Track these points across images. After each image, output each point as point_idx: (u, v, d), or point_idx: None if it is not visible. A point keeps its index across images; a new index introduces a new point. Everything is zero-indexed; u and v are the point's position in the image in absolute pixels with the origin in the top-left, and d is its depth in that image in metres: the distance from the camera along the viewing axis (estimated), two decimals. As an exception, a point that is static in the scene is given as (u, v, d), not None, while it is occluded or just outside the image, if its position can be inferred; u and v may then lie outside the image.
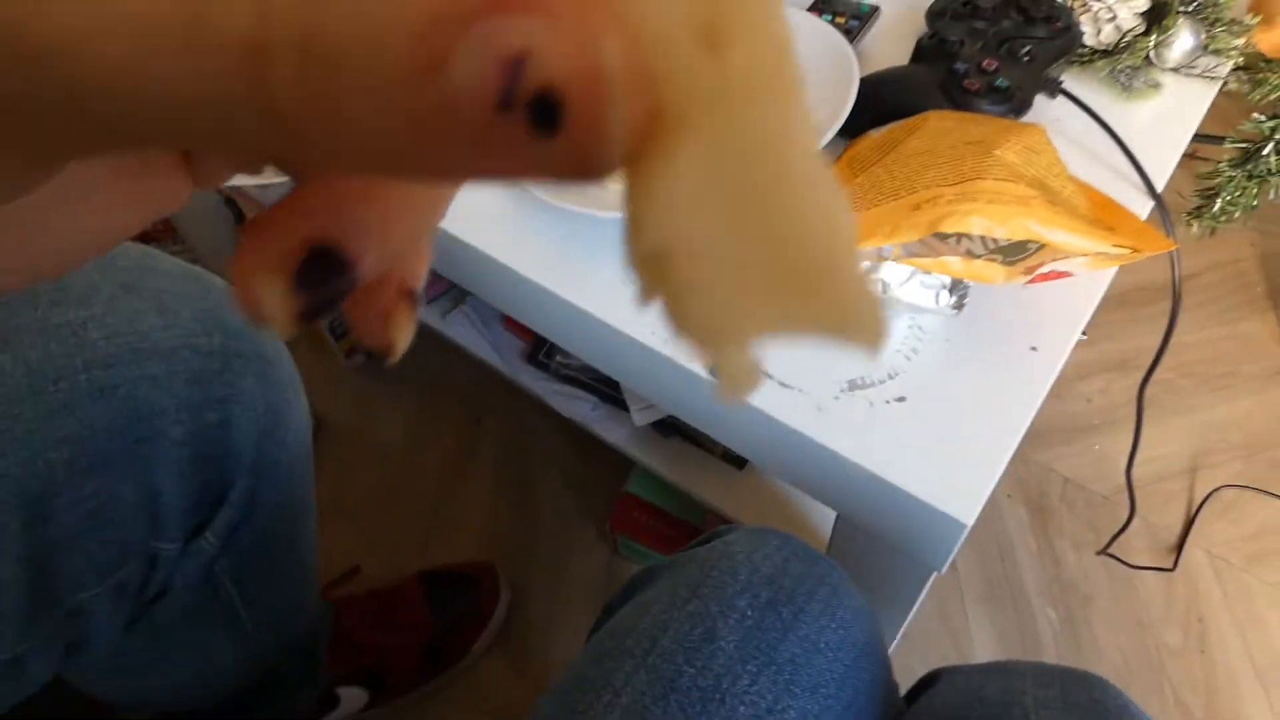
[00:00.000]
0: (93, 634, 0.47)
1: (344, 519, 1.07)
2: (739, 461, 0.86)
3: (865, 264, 0.08)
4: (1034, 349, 0.47)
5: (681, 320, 0.10)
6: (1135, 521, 1.06)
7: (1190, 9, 0.60)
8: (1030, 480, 1.10)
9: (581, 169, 0.09)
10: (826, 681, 0.35)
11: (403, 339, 0.15)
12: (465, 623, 0.94)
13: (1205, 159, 0.88)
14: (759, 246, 0.10)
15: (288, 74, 0.08)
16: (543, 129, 0.08)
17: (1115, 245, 0.39)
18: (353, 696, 0.87)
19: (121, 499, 0.44)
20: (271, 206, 0.13)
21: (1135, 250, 0.39)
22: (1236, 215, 0.85)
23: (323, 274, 0.12)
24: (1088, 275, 0.46)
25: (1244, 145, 0.79)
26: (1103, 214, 0.42)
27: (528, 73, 0.08)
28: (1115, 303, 1.27)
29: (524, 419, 1.16)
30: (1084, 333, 1.12)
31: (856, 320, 0.10)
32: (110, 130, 0.10)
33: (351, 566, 0.99)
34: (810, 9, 0.66)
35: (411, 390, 1.22)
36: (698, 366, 0.47)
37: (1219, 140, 0.82)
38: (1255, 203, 0.83)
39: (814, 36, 0.57)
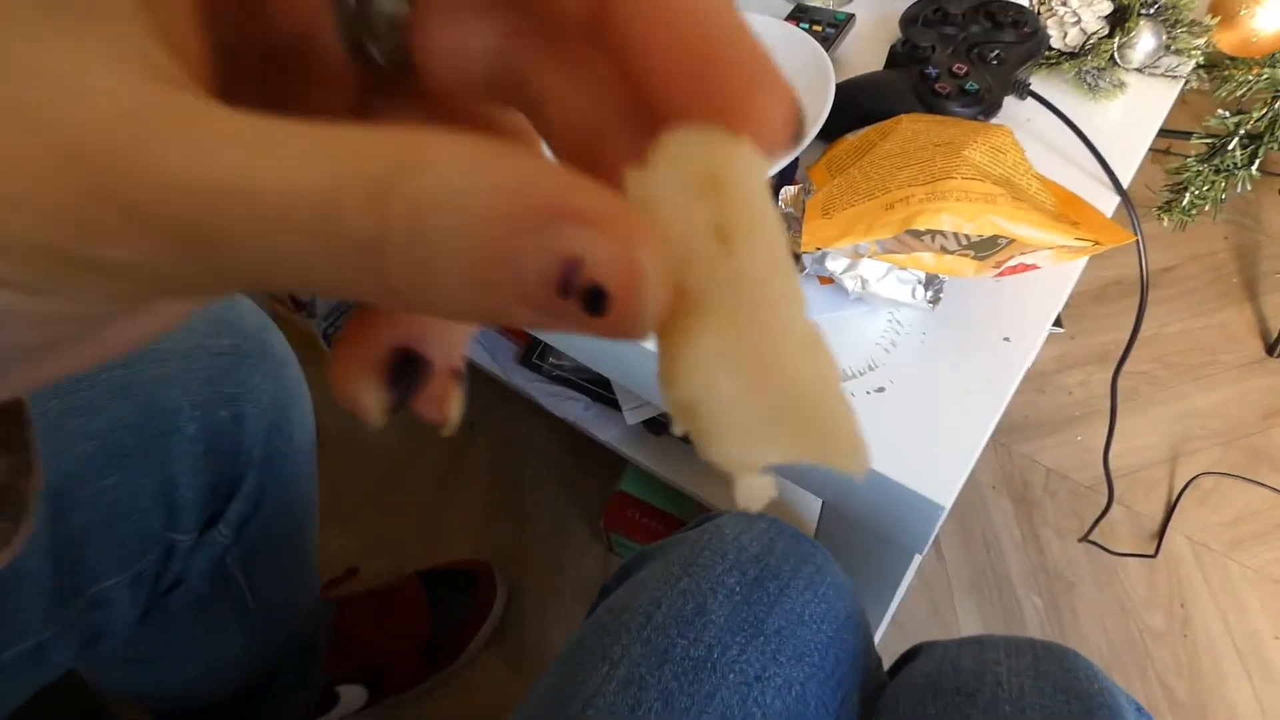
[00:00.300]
0: (112, 623, 0.49)
1: (341, 524, 1.08)
2: (729, 457, 0.88)
3: (852, 408, 0.11)
4: (1007, 339, 0.49)
5: (708, 453, 0.13)
6: (1118, 509, 1.08)
7: (1151, 11, 0.63)
8: (1014, 472, 1.13)
9: (620, 336, 0.11)
10: (811, 651, 0.37)
11: (456, 414, 0.17)
12: (462, 621, 0.96)
13: (1178, 154, 0.91)
14: (767, 401, 0.12)
15: (399, 259, 0.11)
16: (592, 311, 0.11)
17: (1078, 238, 0.41)
18: (352, 694, 0.89)
19: (140, 492, 0.46)
20: (356, 319, 0.16)
21: (1097, 243, 0.42)
22: (1206, 208, 0.88)
23: (407, 373, 0.15)
24: (1055, 268, 0.48)
25: (1210, 140, 0.82)
26: (1067, 209, 0.45)
27: (583, 271, 0.10)
28: (1093, 297, 1.30)
29: (517, 421, 1.18)
30: (1062, 327, 1.14)
31: (846, 455, 0.13)
32: (223, 288, 0.12)
33: (350, 567, 1.00)
34: (788, 18, 0.68)
35: (406, 395, 1.23)
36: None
37: (1190, 136, 0.85)
38: (1223, 196, 0.86)
39: (792, 45, 0.59)
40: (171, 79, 0.12)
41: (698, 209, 0.12)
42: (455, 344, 0.17)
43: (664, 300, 0.11)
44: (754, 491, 0.13)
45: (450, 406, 0.17)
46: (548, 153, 0.16)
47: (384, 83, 0.16)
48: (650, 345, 0.13)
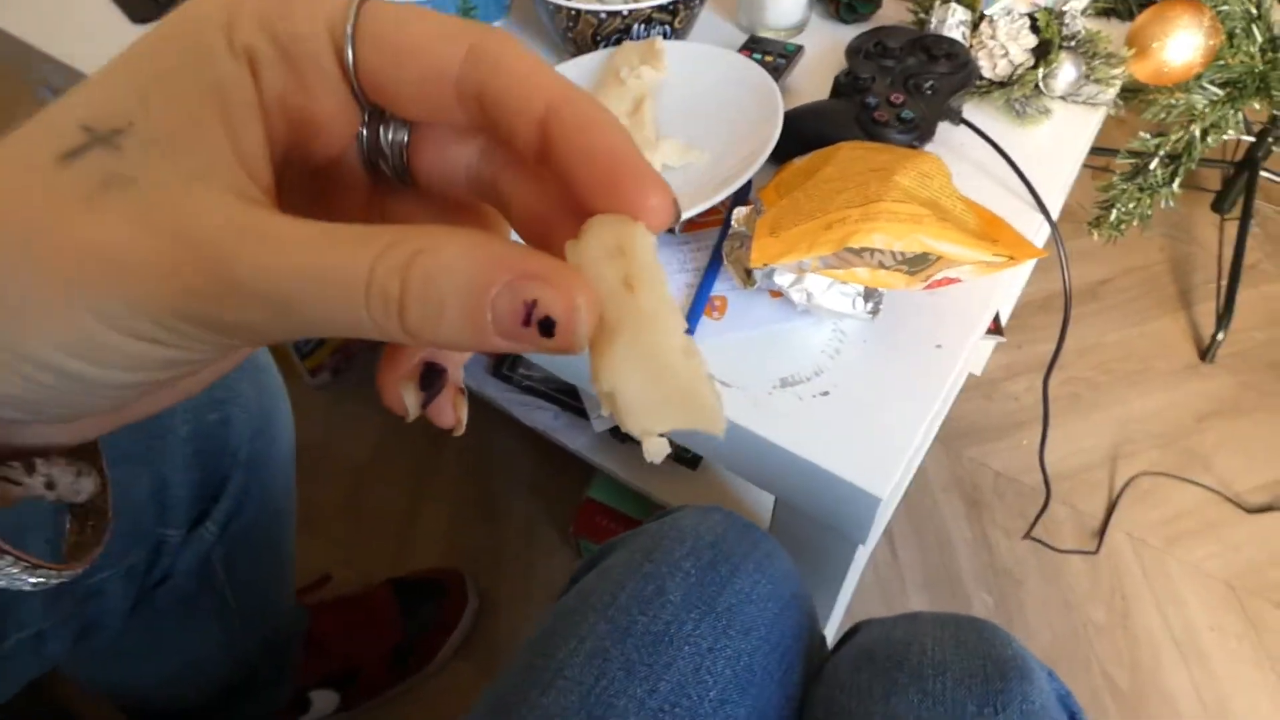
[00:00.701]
0: (105, 615, 0.52)
1: (312, 533, 1.09)
2: (691, 462, 0.91)
3: (717, 391, 0.19)
4: (939, 347, 0.53)
5: (624, 425, 0.18)
6: (1062, 508, 1.14)
7: (1072, 44, 0.68)
8: (964, 475, 1.18)
9: (564, 352, 0.17)
10: (758, 626, 0.41)
11: (464, 416, 0.24)
12: (433, 628, 0.98)
13: (1113, 172, 0.97)
14: (659, 389, 0.18)
15: (415, 309, 0.16)
16: (545, 335, 0.16)
17: (996, 254, 0.46)
18: (324, 699, 0.90)
19: (136, 488, 0.50)
20: (391, 348, 0.23)
21: (1013, 258, 0.46)
22: (1134, 224, 0.94)
23: (432, 378, 0.23)
24: (978, 282, 0.53)
25: (1134, 160, 0.88)
26: (988, 228, 0.49)
27: (538, 309, 0.16)
28: (1038, 308, 1.37)
29: (487, 431, 1.20)
30: (1004, 336, 1.20)
31: (711, 423, 0.18)
32: (295, 335, 0.18)
33: (322, 575, 1.02)
34: (741, 49, 0.73)
35: (375, 406, 1.26)
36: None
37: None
38: (1149, 212, 0.92)
39: (745, 74, 0.64)
40: (256, 200, 0.17)
41: (611, 267, 0.18)
42: (457, 367, 0.24)
43: (592, 325, 0.17)
44: (656, 449, 0.19)
45: (461, 411, 0.24)
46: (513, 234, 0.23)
47: (391, 187, 0.22)
48: (585, 357, 0.19)
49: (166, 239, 0.16)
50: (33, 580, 0.21)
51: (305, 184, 0.21)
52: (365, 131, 0.21)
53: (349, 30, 0.18)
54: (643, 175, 0.18)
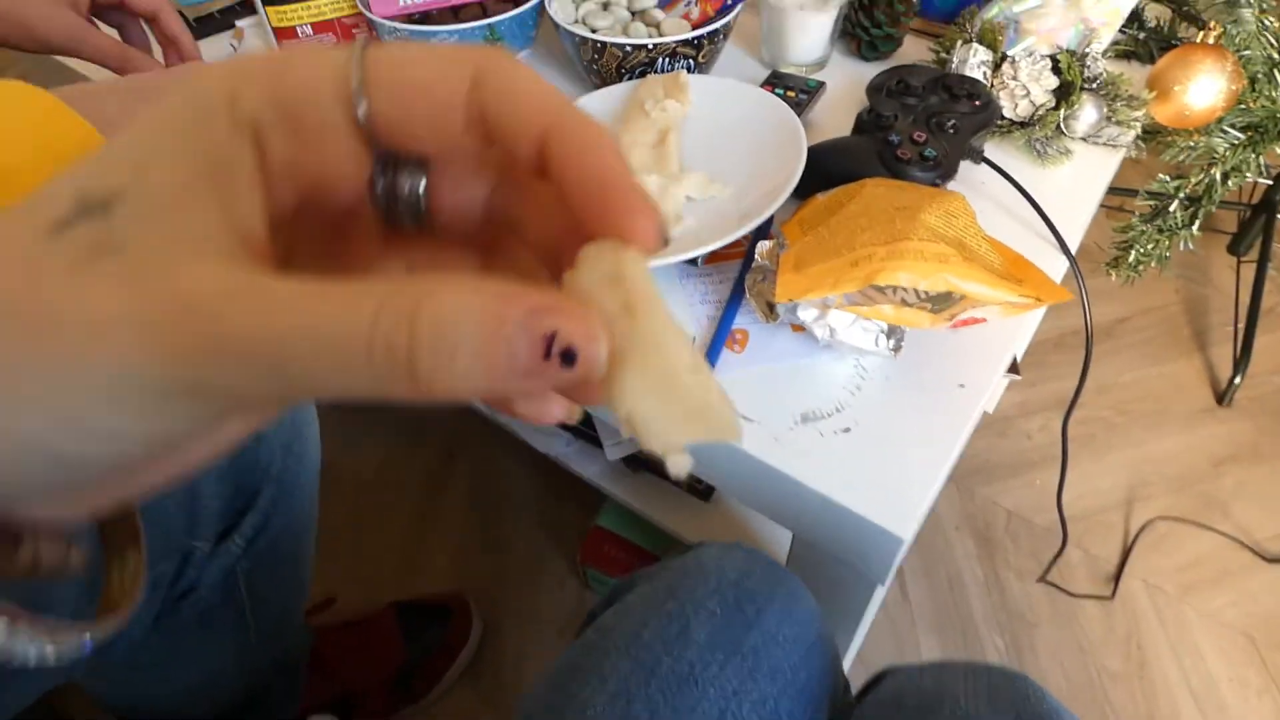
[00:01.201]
0: (129, 625, 0.51)
1: (319, 553, 1.09)
2: (704, 493, 0.91)
3: (730, 401, 0.19)
4: (962, 386, 0.53)
5: (646, 445, 0.18)
6: (1076, 552, 1.12)
7: (1093, 86, 0.69)
8: (977, 514, 1.17)
9: (584, 381, 0.17)
10: (784, 668, 0.40)
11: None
12: (437, 653, 0.97)
13: (1130, 212, 0.97)
14: (674, 407, 0.18)
15: (427, 358, 0.15)
16: (566, 366, 0.16)
17: (1022, 295, 0.46)
18: (324, 723, 0.89)
19: (168, 499, 0.50)
20: None
21: (1038, 300, 0.46)
22: (1152, 265, 0.93)
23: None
24: (1003, 321, 0.52)
25: (1153, 202, 0.88)
26: (1013, 269, 0.49)
27: (558, 341, 0.16)
28: (1053, 346, 1.36)
29: (496, 456, 1.20)
30: (1019, 374, 1.20)
31: (729, 433, 0.18)
32: (290, 400, 0.17)
33: (327, 596, 1.01)
34: (764, 84, 0.74)
35: (386, 428, 1.26)
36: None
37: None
38: (1167, 254, 0.92)
39: (768, 109, 0.64)
40: (249, 265, 0.17)
41: (610, 294, 0.18)
42: None
43: (608, 354, 0.17)
44: (679, 464, 0.19)
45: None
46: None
47: (405, 229, 0.22)
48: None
49: (153, 304, 0.16)
50: (55, 649, 0.20)
51: (322, 235, 0.21)
52: (381, 180, 0.21)
53: (355, 85, 0.18)
54: (630, 198, 0.18)
